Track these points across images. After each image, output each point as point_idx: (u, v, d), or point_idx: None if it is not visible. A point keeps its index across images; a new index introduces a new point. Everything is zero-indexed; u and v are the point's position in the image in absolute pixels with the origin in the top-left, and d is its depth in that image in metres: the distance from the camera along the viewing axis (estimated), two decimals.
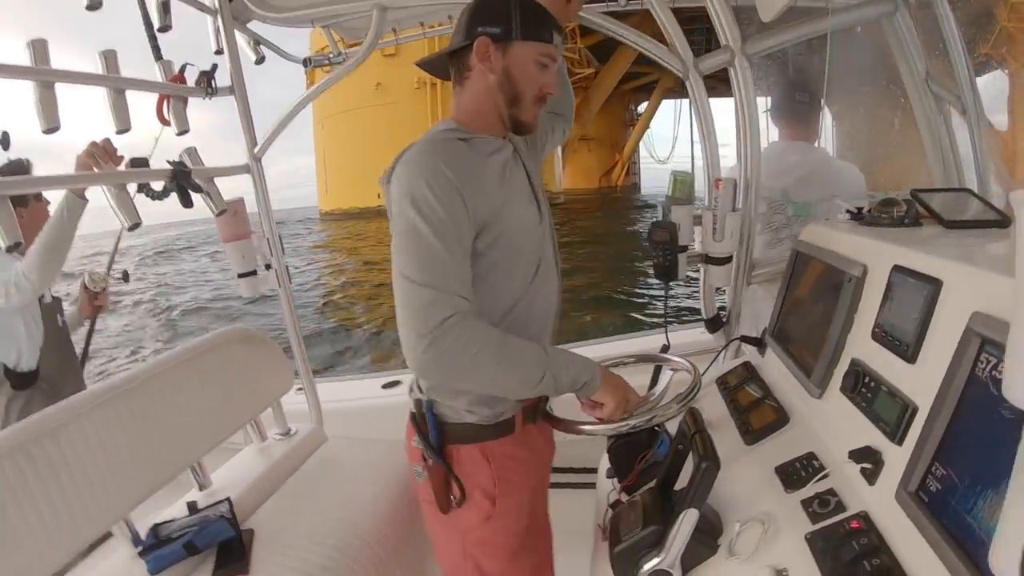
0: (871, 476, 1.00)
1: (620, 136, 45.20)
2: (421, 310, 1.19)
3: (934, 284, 0.99)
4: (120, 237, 2.76)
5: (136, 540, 1.58)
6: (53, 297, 2.45)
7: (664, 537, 1.07)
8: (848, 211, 1.47)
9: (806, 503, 1.05)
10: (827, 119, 2.15)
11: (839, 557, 0.90)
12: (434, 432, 1.41)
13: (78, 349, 2.66)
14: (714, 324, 1.88)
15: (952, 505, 0.82)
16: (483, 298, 1.33)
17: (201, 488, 1.85)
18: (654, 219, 1.71)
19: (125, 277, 2.81)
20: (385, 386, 2.68)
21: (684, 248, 1.70)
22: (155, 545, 1.56)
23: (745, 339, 1.64)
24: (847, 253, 1.31)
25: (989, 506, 0.75)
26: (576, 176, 45.27)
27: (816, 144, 2.14)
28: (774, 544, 1.02)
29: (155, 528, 1.62)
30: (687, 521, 1.04)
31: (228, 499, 1.71)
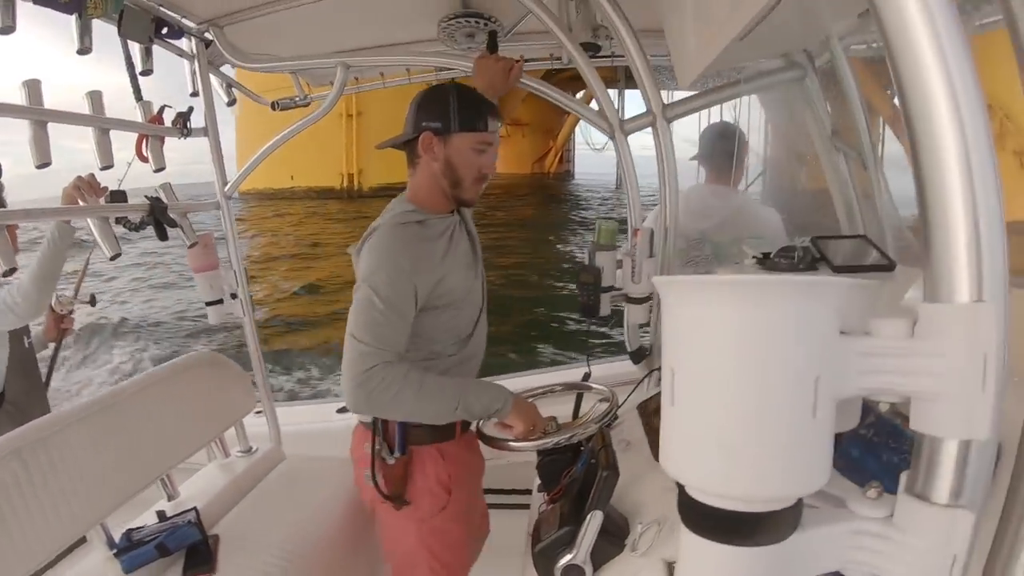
0: None
1: (555, 123, 44.79)
2: (355, 360, 1.47)
3: None
4: (88, 261, 2.77)
5: (111, 543, 1.69)
6: None
7: (576, 536, 1.25)
8: (754, 256, 1.67)
9: None
10: (753, 166, 2.36)
11: None
12: (400, 433, 1.66)
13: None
14: (638, 356, 2.09)
15: None
16: (439, 338, 1.66)
17: (169, 499, 1.98)
18: (580, 262, 1.92)
19: (92, 301, 2.80)
20: (339, 411, 2.83)
21: (608, 288, 1.90)
22: (129, 547, 1.68)
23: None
24: None
25: None
26: (508, 161, 44.99)
27: (737, 188, 2.37)
28: (667, 541, 1.20)
29: (128, 532, 1.74)
30: (593, 521, 1.23)
31: (195, 508, 1.84)
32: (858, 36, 1.72)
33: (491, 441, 1.61)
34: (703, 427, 0.65)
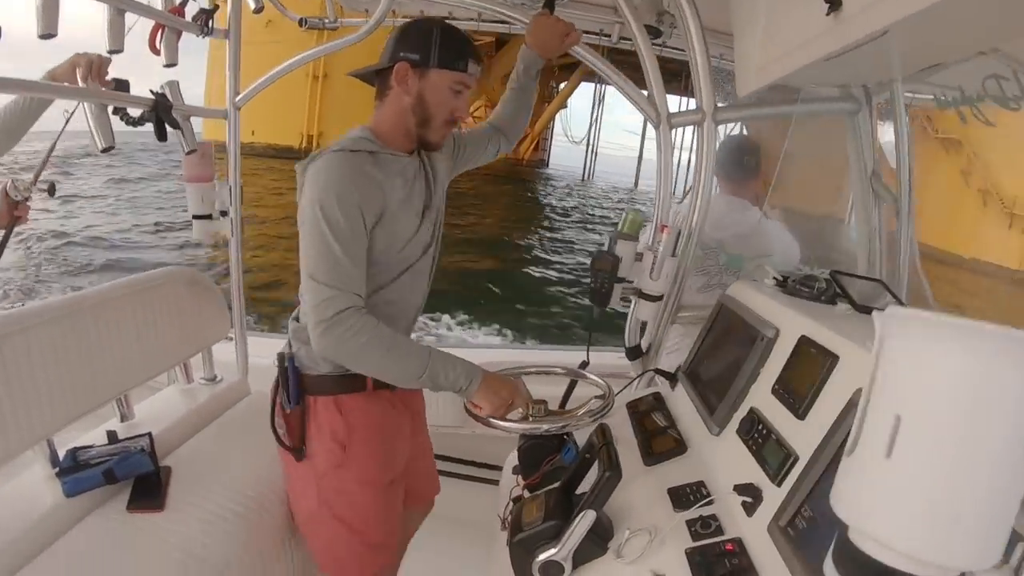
0: (750, 509, 1.15)
1: (536, 110, 44.20)
2: (322, 304, 1.40)
3: (831, 357, 1.16)
4: (54, 145, 2.58)
5: (54, 461, 1.57)
6: None
7: (562, 532, 1.19)
8: (775, 277, 1.64)
9: (691, 523, 1.19)
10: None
11: (712, 572, 1.05)
12: (294, 380, 1.58)
13: None
14: (634, 353, 2.04)
15: (813, 540, 0.97)
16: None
17: (123, 419, 1.86)
18: (599, 247, 1.85)
19: (51, 190, 2.58)
20: None
21: (621, 280, 1.85)
22: (73, 468, 1.56)
23: (659, 372, 1.79)
24: (765, 315, 1.47)
25: None
26: None
27: (755, 204, 2.34)
28: (657, 553, 1.15)
29: (73, 451, 1.62)
30: (585, 520, 1.17)
31: (149, 434, 1.72)
32: (920, 84, 1.71)
33: (475, 417, 1.54)
34: (917, 483, 0.62)
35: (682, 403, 1.65)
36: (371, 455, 1.64)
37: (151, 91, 1.78)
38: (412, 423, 1.80)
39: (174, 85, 1.84)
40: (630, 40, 1.85)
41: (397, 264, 1.58)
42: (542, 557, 1.19)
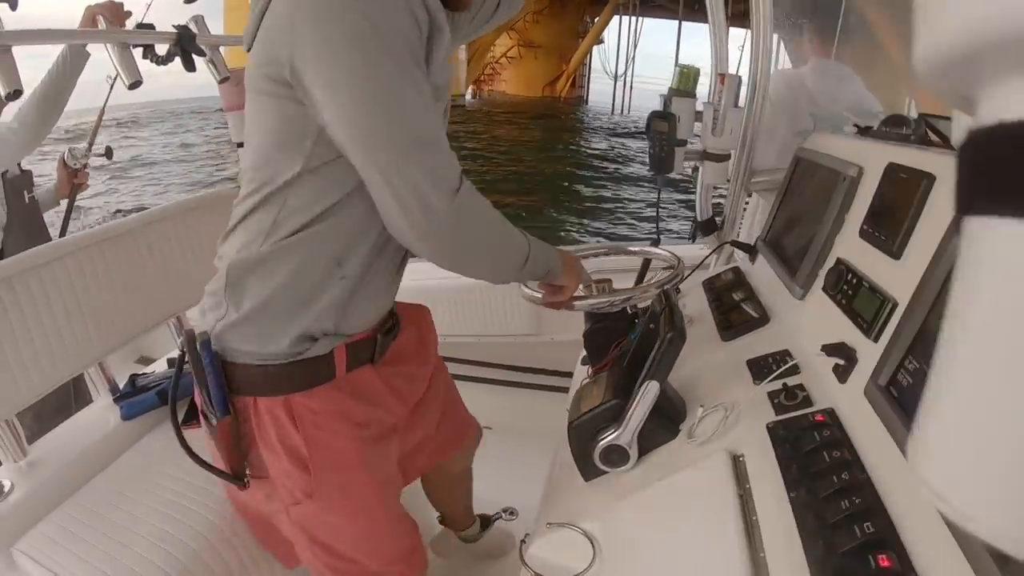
0: (843, 374, 0.98)
1: (570, 46, 41.16)
2: (440, 168, 0.94)
3: (927, 178, 0.96)
4: (103, 110, 2.61)
5: (114, 389, 1.61)
6: (22, 170, 2.25)
7: (623, 412, 1.06)
8: (856, 125, 1.41)
9: (772, 395, 1.03)
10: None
11: (799, 447, 0.88)
12: (216, 377, 1.06)
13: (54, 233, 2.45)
14: (707, 227, 1.84)
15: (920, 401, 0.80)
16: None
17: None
18: (653, 109, 1.65)
19: (108, 153, 2.66)
20: None
21: (682, 143, 1.65)
22: (130, 394, 1.59)
23: (737, 244, 1.61)
24: (845, 156, 1.26)
25: None
26: (518, 83, 42.78)
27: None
28: (733, 430, 1.01)
29: (133, 379, 1.65)
30: (648, 393, 1.03)
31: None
32: None
33: (533, 298, 1.37)
34: None
35: (763, 274, 1.47)
36: (353, 479, 1.17)
37: (173, 25, 1.77)
38: (416, 376, 1.37)
39: (199, 19, 1.82)
40: None
41: None
42: (604, 441, 1.07)
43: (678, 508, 0.97)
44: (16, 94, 1.38)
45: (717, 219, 1.84)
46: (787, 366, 1.08)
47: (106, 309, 1.51)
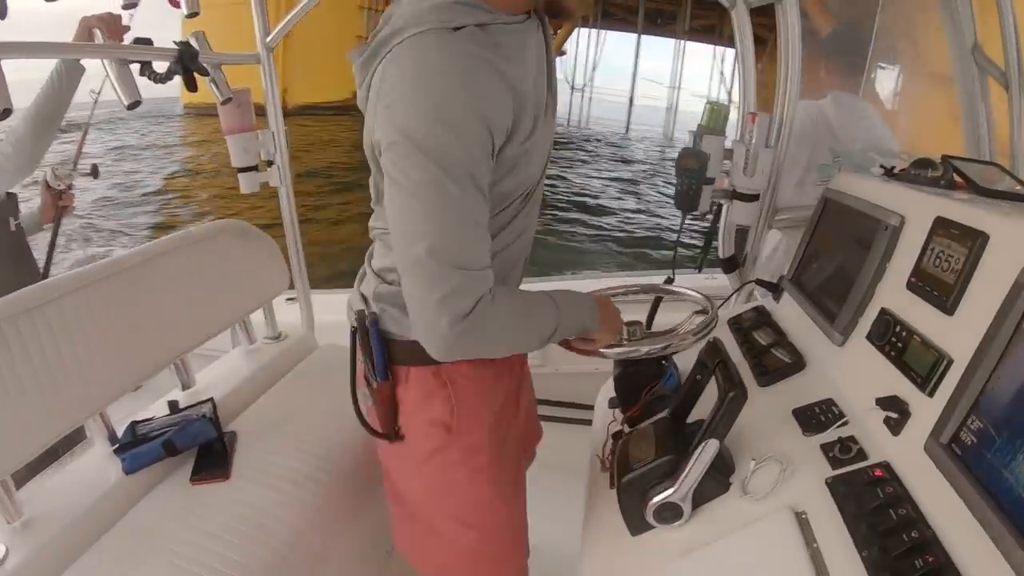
0: (896, 426, 1.00)
1: None
2: (451, 296, 0.99)
3: (980, 237, 0.98)
4: (87, 128, 2.51)
5: (112, 438, 1.53)
6: (7, 194, 2.14)
7: (677, 469, 1.06)
8: (882, 166, 1.46)
9: (826, 448, 1.05)
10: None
11: (862, 504, 0.90)
12: (379, 349, 1.24)
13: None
14: (730, 264, 1.86)
15: (988, 459, 0.82)
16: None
17: (184, 388, 1.80)
18: (684, 147, 1.67)
19: (94, 172, 2.55)
20: None
21: (711, 181, 1.67)
22: (132, 443, 1.51)
23: (760, 283, 1.63)
24: (883, 203, 1.29)
25: None
26: None
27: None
28: (791, 485, 1.02)
29: (133, 426, 1.57)
30: (707, 452, 1.04)
31: (211, 399, 1.66)
32: None
33: (571, 348, 1.38)
34: None
35: (791, 314, 1.49)
36: (484, 437, 1.31)
37: (174, 42, 1.70)
38: (521, 374, 1.51)
39: (199, 35, 1.76)
40: None
41: (519, 190, 1.16)
42: (657, 499, 1.07)
43: (745, 567, 0.97)
44: (5, 113, 1.30)
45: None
46: (840, 422, 1.10)
47: (106, 354, 1.44)
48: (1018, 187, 1.37)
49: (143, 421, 1.59)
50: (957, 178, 1.33)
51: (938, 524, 0.82)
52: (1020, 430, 0.79)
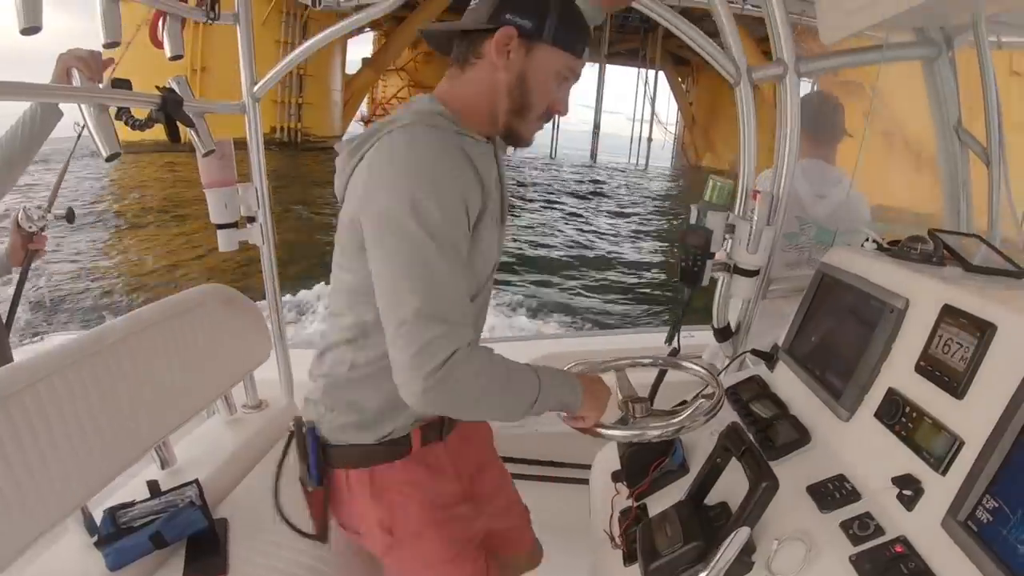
0: (909, 502, 1.08)
1: None
2: (427, 347, 1.09)
3: (988, 328, 1.09)
4: (67, 166, 2.41)
5: (91, 527, 1.44)
6: None
7: (706, 554, 1.12)
8: (874, 241, 1.58)
9: (844, 525, 1.11)
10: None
11: None
12: (313, 455, 1.37)
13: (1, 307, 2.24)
14: (724, 334, 1.96)
15: (1004, 536, 0.91)
16: None
17: (163, 465, 1.74)
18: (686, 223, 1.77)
19: (70, 217, 2.44)
20: None
21: (712, 255, 1.77)
22: (114, 535, 1.43)
23: (756, 352, 1.72)
24: (885, 283, 1.40)
25: None
26: None
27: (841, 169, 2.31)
28: (816, 564, 1.08)
29: (112, 513, 1.49)
30: (737, 540, 1.09)
31: (196, 481, 1.60)
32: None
33: (579, 428, 1.41)
34: None
35: (789, 385, 1.58)
36: (430, 535, 1.42)
37: (157, 87, 1.66)
38: (477, 457, 1.62)
39: (182, 81, 1.73)
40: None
41: (489, 256, 1.33)
42: None
43: None
44: None
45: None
46: (855, 499, 1.17)
47: (88, 442, 1.38)
48: (997, 258, 1.51)
49: (123, 507, 1.51)
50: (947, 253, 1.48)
51: None
52: None
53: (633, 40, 38.44)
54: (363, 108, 42.62)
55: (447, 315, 1.11)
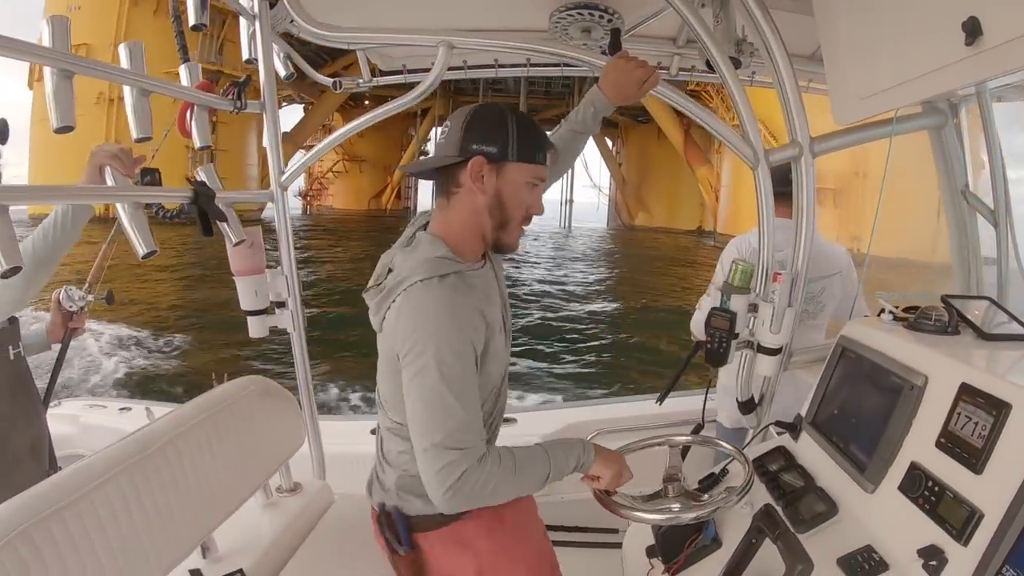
0: (935, 572, 1.24)
1: (395, 159, 48.72)
2: (445, 469, 1.41)
3: (1004, 407, 1.26)
4: (108, 246, 2.47)
5: None
6: (9, 320, 2.10)
7: None
8: (891, 312, 1.76)
9: None
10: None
11: None
12: (403, 526, 1.63)
13: (41, 383, 2.27)
14: (748, 407, 2.13)
15: None
16: None
17: (205, 554, 1.83)
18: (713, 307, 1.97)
19: (109, 298, 2.55)
20: (373, 432, 2.70)
21: (736, 335, 1.95)
22: None
23: (780, 424, 1.89)
24: (904, 360, 1.58)
25: None
26: (345, 197, 50.43)
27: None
28: None
29: None
30: None
31: (241, 571, 1.73)
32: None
33: (615, 508, 1.59)
34: None
35: (813, 456, 1.74)
36: (519, 569, 1.69)
37: (188, 179, 1.78)
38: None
39: (210, 170, 1.86)
40: (688, 71, 1.95)
41: (490, 386, 1.62)
42: None
43: None
44: (14, 271, 1.30)
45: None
46: (883, 570, 1.33)
47: (142, 542, 1.47)
48: (1011, 322, 1.69)
49: None
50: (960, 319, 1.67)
51: None
52: None
53: (559, 106, 40.58)
54: (300, 183, 45.72)
55: (461, 443, 1.43)
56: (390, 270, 1.56)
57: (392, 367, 1.52)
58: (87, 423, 3.28)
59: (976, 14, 1.31)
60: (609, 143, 47.83)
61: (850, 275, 2.65)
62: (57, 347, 2.37)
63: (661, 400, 2.21)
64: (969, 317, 1.70)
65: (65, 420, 3.24)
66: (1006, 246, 1.97)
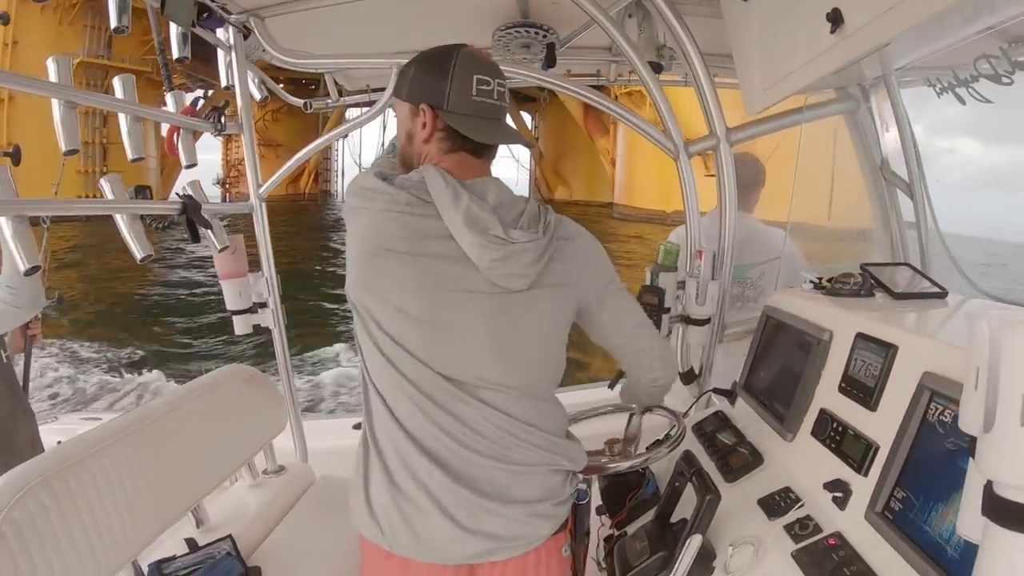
0: (841, 503, 1.33)
1: (310, 143, 47.44)
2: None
3: (890, 348, 1.37)
4: (48, 253, 2.67)
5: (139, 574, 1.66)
6: None
7: (670, 561, 1.37)
8: (812, 281, 1.87)
9: (788, 527, 1.36)
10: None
11: (823, 568, 1.22)
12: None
13: None
14: (688, 377, 2.24)
15: (912, 519, 1.16)
16: None
17: (198, 525, 1.96)
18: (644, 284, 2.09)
19: (59, 300, 2.71)
20: (355, 427, 2.88)
21: (667, 310, 2.06)
22: None
23: (717, 391, 1.99)
24: (815, 319, 1.68)
25: (940, 516, 1.10)
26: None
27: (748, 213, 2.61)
28: (764, 561, 1.32)
29: (158, 566, 1.71)
30: (692, 545, 1.34)
31: (230, 536, 1.84)
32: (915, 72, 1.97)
33: None
34: None
35: (746, 417, 1.84)
36: None
37: (177, 194, 1.93)
38: None
39: (195, 185, 2.01)
40: (624, 77, 2.08)
41: None
42: None
43: None
44: (34, 271, 1.43)
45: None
46: (796, 505, 1.42)
47: (134, 504, 1.60)
48: (924, 282, 1.79)
49: (166, 561, 1.74)
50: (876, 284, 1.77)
51: (881, 571, 1.16)
52: (933, 494, 1.14)
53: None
54: (218, 170, 46.91)
55: None
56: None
57: (566, 317, 1.44)
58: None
59: (838, 5, 1.43)
60: (527, 118, 47.38)
61: (794, 260, 2.71)
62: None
63: (612, 385, 2.30)
64: (884, 281, 1.80)
65: (63, 434, 3.34)
66: (924, 214, 2.07)
